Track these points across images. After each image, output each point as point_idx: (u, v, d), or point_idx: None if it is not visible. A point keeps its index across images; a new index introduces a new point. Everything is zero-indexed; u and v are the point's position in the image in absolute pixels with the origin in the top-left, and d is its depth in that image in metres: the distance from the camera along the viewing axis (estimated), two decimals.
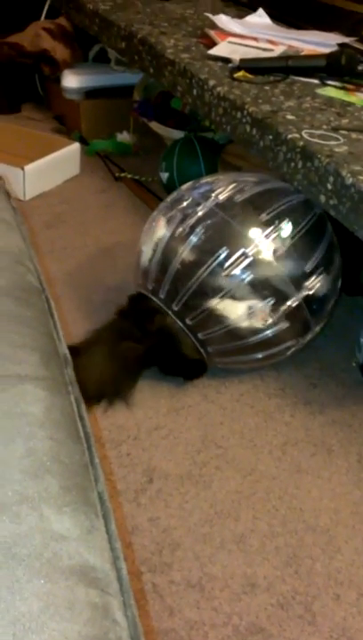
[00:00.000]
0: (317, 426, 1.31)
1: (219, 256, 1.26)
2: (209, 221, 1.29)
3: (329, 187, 1.23)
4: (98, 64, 2.40)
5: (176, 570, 1.01)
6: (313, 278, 1.30)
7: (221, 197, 1.31)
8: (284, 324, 1.31)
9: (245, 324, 1.28)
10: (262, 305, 1.27)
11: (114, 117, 2.34)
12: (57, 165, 2.06)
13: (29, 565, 0.39)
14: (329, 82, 1.55)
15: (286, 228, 1.27)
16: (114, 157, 2.24)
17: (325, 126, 1.35)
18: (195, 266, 1.27)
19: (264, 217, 1.29)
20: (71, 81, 2.29)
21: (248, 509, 1.13)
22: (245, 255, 1.26)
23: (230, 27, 1.81)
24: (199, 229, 1.28)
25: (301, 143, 1.29)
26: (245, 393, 1.38)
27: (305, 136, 1.32)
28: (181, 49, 1.75)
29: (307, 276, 1.29)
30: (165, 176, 2.00)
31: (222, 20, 1.83)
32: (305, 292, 1.30)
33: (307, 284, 1.30)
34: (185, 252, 1.28)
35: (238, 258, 1.27)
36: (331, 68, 1.55)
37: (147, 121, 2.25)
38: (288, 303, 1.28)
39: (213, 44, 1.74)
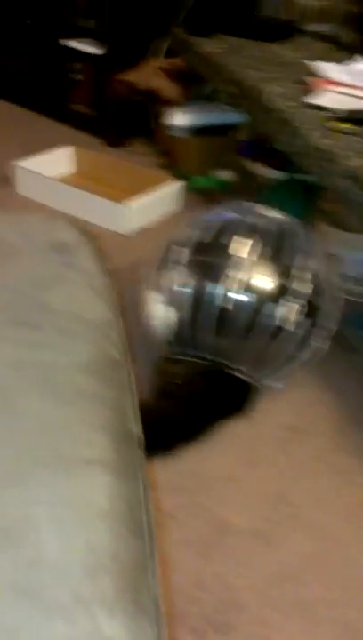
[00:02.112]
0: None
1: (215, 294, 1.31)
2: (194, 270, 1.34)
3: None
4: (206, 102, 2.46)
5: (240, 632, 1.02)
6: (306, 270, 1.34)
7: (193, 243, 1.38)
8: (306, 323, 1.34)
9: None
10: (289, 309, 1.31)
11: (217, 155, 2.38)
12: (159, 202, 2.13)
13: None
14: None
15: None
16: (214, 195, 2.28)
17: None
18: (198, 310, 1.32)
19: (237, 243, 1.34)
20: (178, 119, 2.35)
21: (318, 575, 1.11)
22: (239, 281, 1.31)
23: (331, 74, 1.81)
24: (189, 281, 1.34)
25: None
26: (323, 449, 1.36)
27: None
28: (282, 95, 1.77)
29: (298, 270, 1.34)
30: None
31: (323, 67, 1.84)
32: (304, 285, 1.32)
33: (303, 275, 1.33)
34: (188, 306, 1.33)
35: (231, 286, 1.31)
36: None
37: (248, 161, 2.28)
38: (294, 302, 1.32)
39: (313, 91, 1.75)
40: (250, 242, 1.33)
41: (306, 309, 1.32)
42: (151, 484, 1.22)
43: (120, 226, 2.01)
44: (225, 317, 1.31)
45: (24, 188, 2.16)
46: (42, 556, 0.51)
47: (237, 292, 1.30)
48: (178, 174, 2.36)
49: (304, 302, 1.32)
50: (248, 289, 1.30)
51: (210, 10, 2.29)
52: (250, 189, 2.26)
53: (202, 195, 2.28)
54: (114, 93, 2.46)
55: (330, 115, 1.60)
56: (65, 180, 2.22)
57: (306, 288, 1.32)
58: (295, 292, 1.31)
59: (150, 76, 2.39)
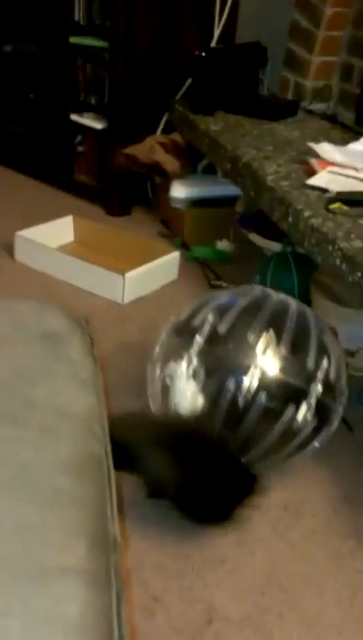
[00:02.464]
0: None
1: (228, 389, 1.28)
2: (206, 362, 1.31)
3: None
4: (205, 175, 2.53)
5: None
6: (321, 370, 1.31)
7: (206, 334, 1.34)
8: (314, 422, 1.31)
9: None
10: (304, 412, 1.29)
11: (216, 226, 2.44)
12: (156, 271, 2.16)
13: None
14: None
15: None
16: (212, 264, 2.32)
17: None
18: (210, 405, 1.30)
19: (252, 338, 1.30)
20: (178, 191, 2.42)
21: None
22: (252, 378, 1.28)
23: (332, 155, 1.87)
24: (200, 371, 1.31)
25: None
26: (317, 530, 1.34)
27: None
28: (281, 175, 1.83)
29: (314, 370, 1.30)
30: None
31: (324, 149, 1.90)
32: (319, 386, 1.30)
33: (317, 375, 1.30)
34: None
35: (247, 383, 1.28)
36: None
37: (246, 232, 2.33)
38: (308, 403, 1.29)
39: (313, 172, 1.80)
40: (269, 336, 1.30)
41: (315, 409, 1.31)
42: (140, 565, 1.21)
43: (117, 295, 2.04)
44: (235, 412, 1.28)
45: (23, 256, 2.20)
46: None
47: (252, 390, 1.28)
48: (177, 244, 2.41)
49: (315, 402, 1.30)
50: (264, 387, 1.28)
51: (211, 87, 2.38)
52: (249, 260, 2.30)
53: (200, 265, 2.32)
54: (116, 165, 2.54)
55: (329, 196, 1.64)
56: (65, 249, 2.27)
57: (319, 387, 1.31)
58: (309, 392, 1.30)
59: (151, 149, 2.47)
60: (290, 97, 2.61)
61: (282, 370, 1.29)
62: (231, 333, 1.32)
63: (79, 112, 2.62)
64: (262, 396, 1.27)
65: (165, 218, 2.59)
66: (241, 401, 1.27)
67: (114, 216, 2.64)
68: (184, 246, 2.40)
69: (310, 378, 1.30)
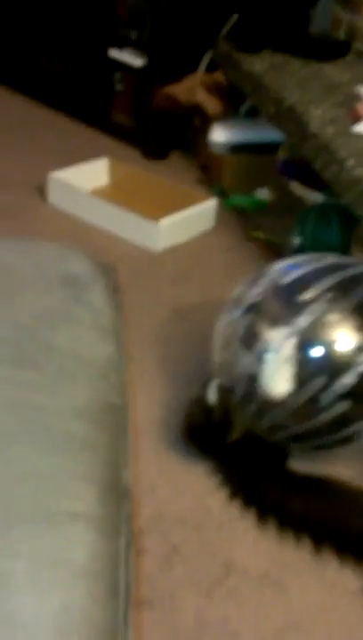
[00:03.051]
0: None
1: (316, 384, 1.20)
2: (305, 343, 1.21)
3: None
4: (248, 119, 2.43)
5: None
6: None
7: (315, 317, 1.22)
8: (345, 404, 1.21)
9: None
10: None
11: (256, 173, 2.35)
12: (192, 220, 2.10)
13: None
14: None
15: None
16: (251, 214, 2.24)
17: None
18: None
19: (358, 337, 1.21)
20: (218, 135, 2.33)
21: (324, 625, 1.07)
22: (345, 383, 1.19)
23: None
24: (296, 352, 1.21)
25: None
26: None
27: None
28: (327, 121, 1.73)
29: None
30: (297, 241, 1.97)
31: None
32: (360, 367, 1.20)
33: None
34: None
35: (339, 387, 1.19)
36: None
37: (288, 181, 2.24)
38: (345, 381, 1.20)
39: (361, 118, 1.70)
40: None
41: None
42: (159, 517, 1.20)
43: (150, 243, 1.99)
44: (310, 407, 1.20)
45: (56, 198, 2.16)
46: (14, 614, 0.51)
47: (340, 394, 1.19)
48: (215, 191, 2.33)
49: None
50: (351, 394, 1.19)
51: (258, 24, 2.26)
52: (289, 211, 2.22)
53: (238, 214, 2.24)
54: (155, 105, 2.45)
55: None
56: (99, 193, 2.22)
57: None
58: None
59: (192, 89, 2.37)
60: (342, 37, 2.46)
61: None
62: (339, 326, 1.20)
63: (118, 47, 2.52)
64: (345, 404, 1.19)
65: (204, 163, 2.50)
66: (323, 400, 1.19)
67: (151, 159, 2.56)
68: (223, 194, 2.32)
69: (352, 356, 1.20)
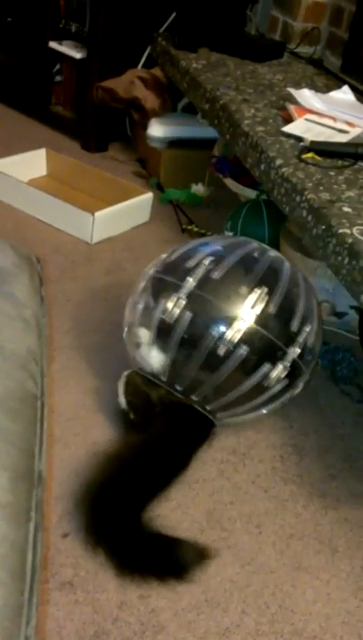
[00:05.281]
0: (327, 522, 1.30)
1: (212, 336, 1.28)
2: (194, 304, 1.30)
3: None
4: (185, 115, 2.48)
5: None
6: (302, 334, 1.32)
7: (199, 277, 1.32)
8: (284, 382, 1.32)
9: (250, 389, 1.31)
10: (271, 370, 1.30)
11: (192, 168, 2.40)
12: (128, 212, 2.14)
13: None
14: None
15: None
16: (186, 208, 2.29)
17: None
18: (191, 348, 1.30)
19: (244, 289, 1.30)
20: (156, 130, 2.37)
21: (239, 602, 1.13)
22: (237, 330, 1.28)
23: (311, 103, 1.83)
24: (186, 313, 1.30)
25: (349, 240, 1.30)
26: (262, 475, 1.39)
27: (356, 233, 1.32)
28: (258, 120, 1.79)
29: (296, 333, 1.31)
30: (228, 234, 2.04)
31: (304, 96, 1.86)
32: (297, 350, 1.31)
33: (298, 339, 1.31)
34: (178, 337, 1.30)
35: (231, 334, 1.28)
36: None
37: (222, 177, 2.30)
38: (284, 364, 1.30)
39: (291, 119, 1.77)
40: (261, 292, 1.29)
41: (289, 370, 1.31)
42: None
43: (86, 234, 2.02)
44: (212, 359, 1.28)
45: None
46: None
47: (235, 341, 1.27)
48: (153, 185, 2.37)
49: (290, 364, 1.31)
50: (246, 340, 1.27)
51: (196, 23, 2.30)
52: (223, 205, 2.28)
53: (173, 207, 2.29)
54: (94, 98, 2.47)
55: (303, 145, 1.62)
56: (36, 183, 2.23)
57: (297, 350, 1.31)
58: (287, 353, 1.30)
59: (131, 84, 2.40)
60: (278, 38, 2.54)
61: (267, 327, 1.29)
62: (224, 282, 1.31)
63: (58, 39, 2.53)
64: (244, 349, 1.28)
65: (142, 157, 2.54)
66: (222, 349, 1.28)
67: (90, 152, 2.58)
68: (159, 188, 2.37)
69: (292, 340, 1.31)
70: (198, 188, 2.36)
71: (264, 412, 1.37)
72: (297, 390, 1.38)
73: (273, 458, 1.43)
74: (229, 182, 2.29)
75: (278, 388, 1.32)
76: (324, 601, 1.16)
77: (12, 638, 0.50)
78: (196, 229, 2.17)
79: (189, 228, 2.18)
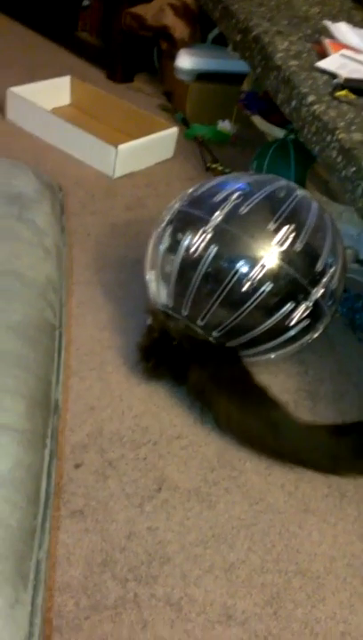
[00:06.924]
0: None
1: (237, 271, 1.26)
2: (220, 238, 1.28)
3: None
4: (215, 47, 2.38)
5: (160, 585, 1.06)
6: (326, 276, 1.30)
7: (226, 211, 1.29)
8: (305, 322, 1.32)
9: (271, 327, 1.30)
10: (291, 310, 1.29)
11: (219, 104, 2.32)
12: (151, 147, 2.08)
13: None
14: None
15: None
16: (211, 145, 2.23)
17: None
18: (215, 282, 1.28)
19: (272, 226, 1.28)
20: (184, 61, 2.28)
21: (245, 539, 1.15)
22: (262, 266, 1.26)
23: (347, 37, 1.75)
24: (212, 247, 1.27)
25: None
26: None
27: None
28: (291, 54, 1.71)
29: (320, 274, 1.30)
30: None
31: (341, 30, 1.77)
32: (321, 290, 1.30)
33: (322, 280, 1.30)
34: (202, 271, 1.29)
35: (256, 270, 1.26)
36: None
37: (250, 114, 2.22)
38: (307, 304, 1.29)
39: (325, 53, 1.69)
40: (289, 229, 1.27)
41: (311, 311, 1.30)
42: (99, 434, 1.25)
43: (108, 167, 1.97)
44: (236, 295, 1.27)
45: (15, 114, 2.11)
46: None
47: (260, 277, 1.25)
48: (178, 119, 2.30)
49: (313, 305, 1.29)
50: (271, 277, 1.25)
51: None
52: (250, 144, 2.21)
53: (198, 144, 2.23)
54: (122, 25, 2.38)
55: (337, 82, 1.55)
56: (59, 112, 2.17)
57: (321, 291, 1.29)
58: (311, 294, 1.28)
59: (161, 11, 2.30)
60: None
61: (292, 265, 1.27)
62: (251, 217, 1.28)
63: None
64: (268, 286, 1.26)
65: (168, 89, 2.46)
66: (246, 285, 1.26)
67: (115, 82, 2.50)
68: (185, 123, 2.30)
69: (316, 280, 1.29)
70: (225, 125, 2.29)
71: (284, 352, 1.36)
72: (317, 334, 1.36)
73: (287, 402, 1.42)
74: (257, 120, 2.21)
75: (299, 328, 1.31)
76: (329, 543, 1.18)
77: (25, 560, 0.51)
78: (220, 168, 2.11)
79: (214, 166, 2.13)
